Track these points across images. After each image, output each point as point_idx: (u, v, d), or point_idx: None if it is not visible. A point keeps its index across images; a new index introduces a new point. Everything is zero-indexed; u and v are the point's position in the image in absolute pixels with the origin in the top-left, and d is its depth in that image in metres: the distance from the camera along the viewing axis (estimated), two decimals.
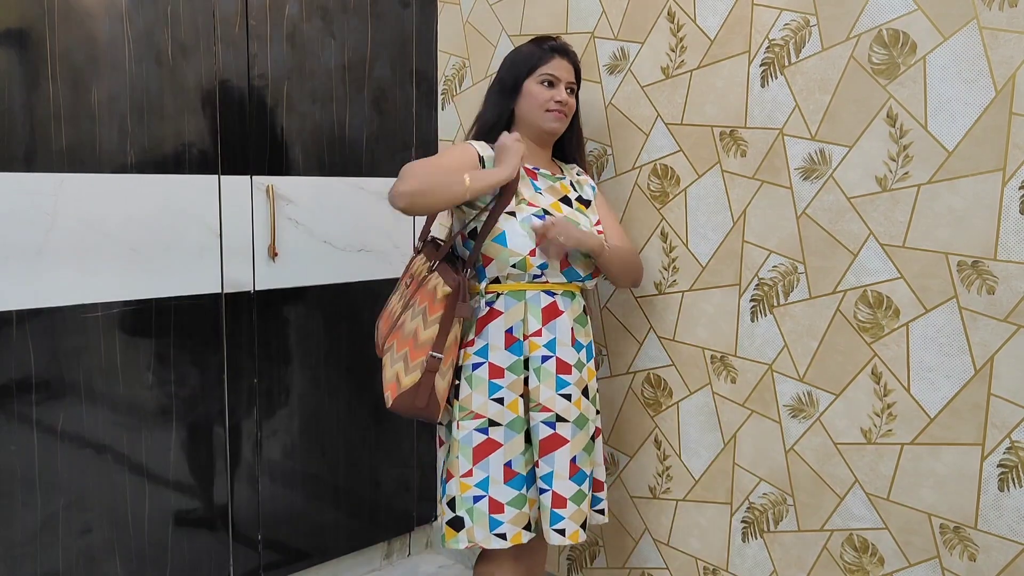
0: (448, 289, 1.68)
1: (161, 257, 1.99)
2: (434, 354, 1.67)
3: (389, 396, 1.71)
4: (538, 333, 1.74)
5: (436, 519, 2.66)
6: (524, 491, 1.75)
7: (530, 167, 1.83)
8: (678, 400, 2.00)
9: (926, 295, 1.58)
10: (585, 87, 2.11)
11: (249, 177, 2.12)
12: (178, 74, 1.98)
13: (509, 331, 1.74)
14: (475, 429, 1.73)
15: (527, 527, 1.76)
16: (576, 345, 1.78)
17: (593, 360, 1.85)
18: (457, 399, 1.76)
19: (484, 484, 1.72)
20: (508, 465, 1.73)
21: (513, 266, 1.72)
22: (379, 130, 2.38)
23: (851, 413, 1.70)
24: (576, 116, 1.91)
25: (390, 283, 2.43)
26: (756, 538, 1.89)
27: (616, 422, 2.14)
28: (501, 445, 1.73)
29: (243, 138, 2.10)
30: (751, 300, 1.84)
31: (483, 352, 1.74)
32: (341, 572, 2.48)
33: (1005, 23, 1.45)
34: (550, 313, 1.75)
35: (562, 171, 1.91)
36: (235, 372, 2.14)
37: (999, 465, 1.52)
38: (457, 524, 1.74)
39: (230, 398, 2.14)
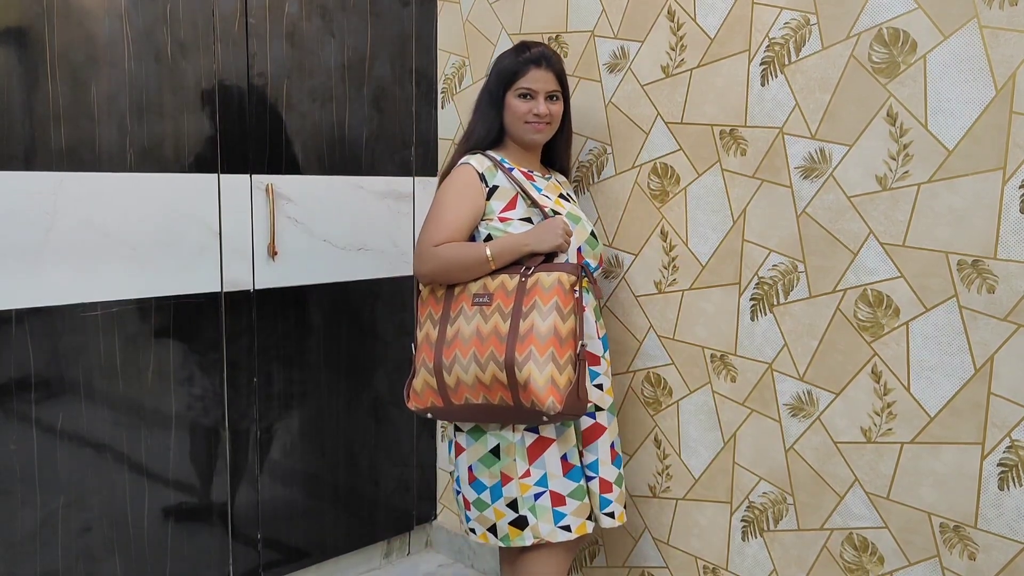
0: (574, 277, 1.69)
1: (161, 256, 1.99)
2: (584, 342, 1.69)
3: (555, 402, 1.62)
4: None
5: (435, 518, 2.66)
6: (583, 482, 1.79)
7: (524, 170, 1.86)
8: (678, 399, 2.00)
9: (926, 294, 1.58)
10: (585, 86, 2.11)
11: (249, 176, 2.12)
12: (178, 73, 1.97)
13: None
14: (526, 430, 1.74)
15: (589, 517, 1.80)
16: (601, 338, 1.85)
17: (608, 351, 1.90)
18: None
19: (543, 481, 1.75)
20: (564, 458, 1.76)
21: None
22: (379, 129, 2.38)
23: (851, 412, 1.70)
24: (567, 119, 1.92)
25: (390, 282, 2.43)
26: (756, 537, 1.89)
27: (616, 421, 2.14)
28: (554, 440, 1.75)
29: (243, 137, 2.09)
30: (751, 299, 1.84)
31: None
32: (341, 571, 2.48)
33: (1005, 22, 1.45)
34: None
35: (550, 173, 1.97)
36: (235, 372, 2.14)
37: (999, 464, 1.52)
38: (521, 523, 1.75)
39: (230, 398, 2.14)
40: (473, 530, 1.82)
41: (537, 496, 1.74)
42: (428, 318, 1.78)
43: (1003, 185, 1.47)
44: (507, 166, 1.82)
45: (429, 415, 1.80)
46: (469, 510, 1.81)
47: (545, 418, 1.65)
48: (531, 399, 1.63)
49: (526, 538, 1.74)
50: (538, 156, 1.94)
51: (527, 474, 1.74)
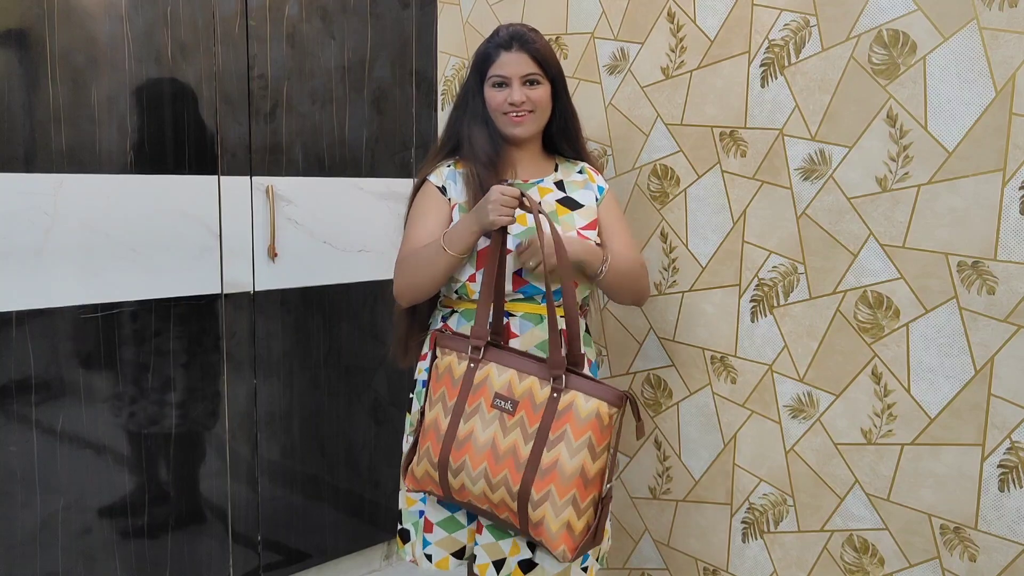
0: (616, 409, 1.45)
1: (161, 257, 1.99)
2: (609, 485, 1.46)
3: (566, 551, 1.43)
4: None
5: None
6: (456, 515, 1.65)
7: (508, 181, 1.66)
8: (678, 400, 2.00)
9: (926, 295, 1.58)
10: (585, 88, 2.11)
11: (249, 178, 2.12)
12: (178, 74, 1.98)
13: None
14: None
15: (457, 554, 1.66)
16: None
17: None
18: (408, 412, 1.76)
19: (424, 500, 1.69)
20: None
21: (456, 291, 1.65)
22: (379, 130, 2.38)
23: (851, 413, 1.70)
24: (561, 102, 1.70)
25: (390, 283, 2.42)
26: (756, 538, 1.89)
27: None
28: None
29: (243, 138, 2.10)
30: (751, 300, 1.84)
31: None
32: (341, 572, 2.48)
33: (1005, 23, 1.45)
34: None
35: (557, 170, 1.74)
36: (235, 372, 2.14)
37: (999, 465, 1.52)
38: (404, 536, 1.72)
39: (230, 399, 2.14)
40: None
41: (421, 513, 1.68)
42: (440, 399, 1.56)
43: (1003, 186, 1.47)
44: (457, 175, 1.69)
45: (423, 496, 1.67)
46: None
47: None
48: (540, 538, 1.45)
49: (406, 553, 1.70)
50: (534, 152, 1.72)
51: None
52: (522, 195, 1.51)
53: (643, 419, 1.49)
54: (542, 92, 1.65)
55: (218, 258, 2.08)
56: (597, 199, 1.72)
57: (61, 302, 1.86)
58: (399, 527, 1.73)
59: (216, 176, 2.06)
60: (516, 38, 1.63)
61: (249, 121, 2.10)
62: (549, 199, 1.68)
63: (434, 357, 1.61)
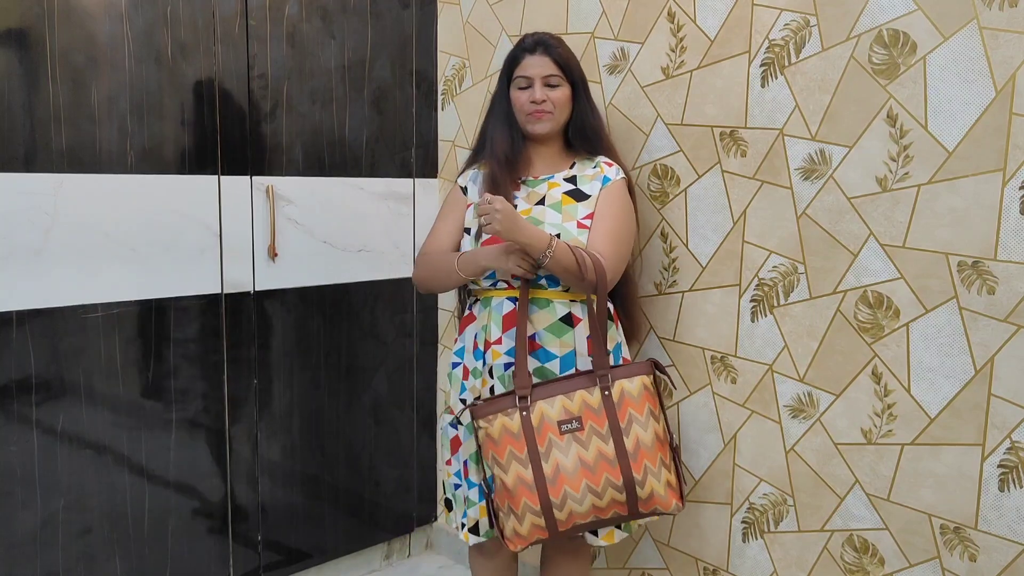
0: (652, 376, 1.67)
1: (161, 257, 1.99)
2: (677, 441, 1.69)
3: (677, 504, 1.66)
4: (499, 341, 1.74)
5: (436, 520, 2.66)
6: (475, 493, 1.79)
7: (521, 179, 1.83)
8: (678, 400, 2.00)
9: (926, 295, 1.58)
10: None
11: (249, 177, 2.12)
12: (178, 74, 1.98)
13: (475, 336, 1.80)
14: (449, 424, 1.84)
15: (473, 529, 1.80)
16: (540, 353, 1.73)
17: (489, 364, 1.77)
18: (446, 397, 1.89)
19: (459, 474, 1.83)
20: (465, 464, 1.81)
21: (473, 283, 1.81)
22: (379, 130, 2.38)
23: (851, 413, 1.70)
24: (580, 104, 1.82)
25: (390, 283, 2.43)
26: (756, 538, 1.89)
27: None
28: (462, 444, 1.81)
29: (243, 138, 2.09)
30: (751, 300, 1.84)
31: (460, 353, 1.85)
32: (341, 572, 2.48)
33: (1005, 23, 1.45)
34: (511, 320, 1.73)
35: (573, 167, 1.83)
36: (235, 372, 2.14)
37: (999, 465, 1.52)
38: (448, 504, 1.87)
39: (230, 398, 2.14)
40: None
41: (456, 487, 1.83)
42: (511, 459, 1.63)
43: (1003, 186, 1.47)
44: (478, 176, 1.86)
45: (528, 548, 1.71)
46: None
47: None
48: (653, 507, 1.64)
49: (452, 520, 1.85)
50: (556, 148, 1.85)
51: (449, 462, 1.84)
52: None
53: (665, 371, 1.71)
54: (561, 93, 1.78)
55: (218, 258, 2.08)
56: (599, 189, 1.79)
57: (61, 302, 1.86)
58: (444, 496, 1.88)
59: (216, 176, 2.06)
60: (540, 43, 1.78)
61: (249, 121, 2.10)
62: (555, 192, 1.79)
63: (476, 428, 1.69)
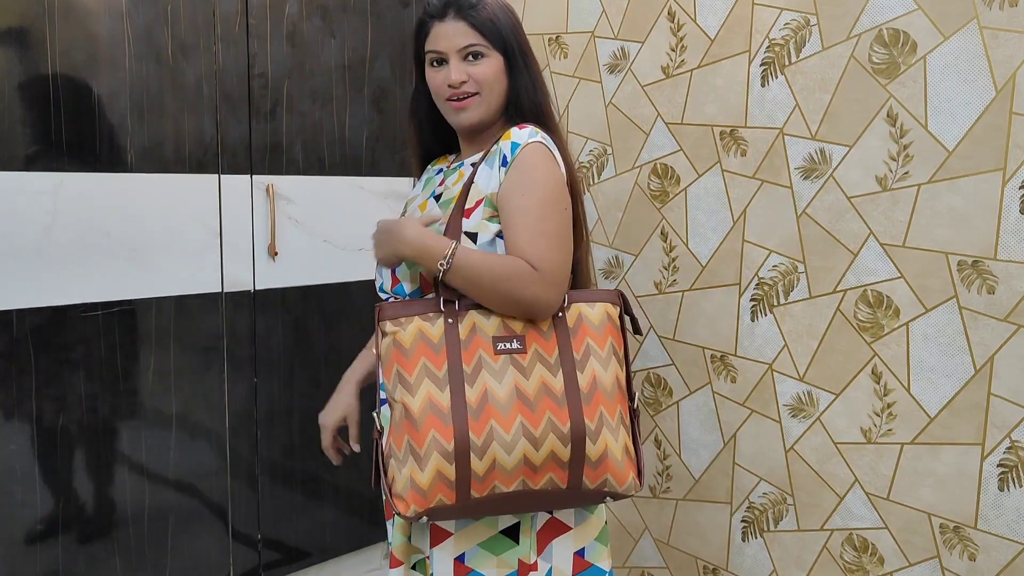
0: (619, 307, 1.31)
1: (161, 256, 1.99)
2: (636, 397, 1.30)
3: (635, 480, 1.27)
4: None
5: None
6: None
7: (446, 165, 1.47)
8: (678, 399, 2.00)
9: (926, 295, 1.58)
10: (585, 87, 2.11)
11: (249, 176, 2.12)
12: (178, 73, 1.98)
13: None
14: None
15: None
16: None
17: None
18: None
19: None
20: (580, 554, 1.41)
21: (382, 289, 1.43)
22: (379, 129, 2.38)
23: (851, 413, 1.70)
24: (517, 76, 1.35)
25: None
26: (756, 537, 1.89)
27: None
28: (571, 528, 1.39)
29: (243, 137, 2.10)
30: (751, 300, 1.84)
31: None
32: (341, 572, 2.48)
33: (1005, 23, 1.45)
34: None
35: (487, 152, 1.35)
36: (235, 372, 2.14)
37: (999, 465, 1.52)
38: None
39: (230, 398, 2.14)
40: None
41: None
42: (424, 375, 1.20)
43: (1003, 186, 1.47)
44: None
45: (424, 519, 1.22)
46: None
47: (609, 500, 1.28)
48: (603, 477, 1.23)
49: None
50: (489, 140, 1.40)
51: (534, 567, 1.31)
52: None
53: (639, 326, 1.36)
54: (487, 67, 1.32)
55: (218, 257, 2.08)
56: (501, 169, 1.30)
57: (61, 301, 1.86)
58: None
59: (216, 175, 2.06)
60: (451, 4, 1.31)
61: (249, 120, 2.10)
62: (456, 186, 1.37)
63: (381, 336, 1.25)
